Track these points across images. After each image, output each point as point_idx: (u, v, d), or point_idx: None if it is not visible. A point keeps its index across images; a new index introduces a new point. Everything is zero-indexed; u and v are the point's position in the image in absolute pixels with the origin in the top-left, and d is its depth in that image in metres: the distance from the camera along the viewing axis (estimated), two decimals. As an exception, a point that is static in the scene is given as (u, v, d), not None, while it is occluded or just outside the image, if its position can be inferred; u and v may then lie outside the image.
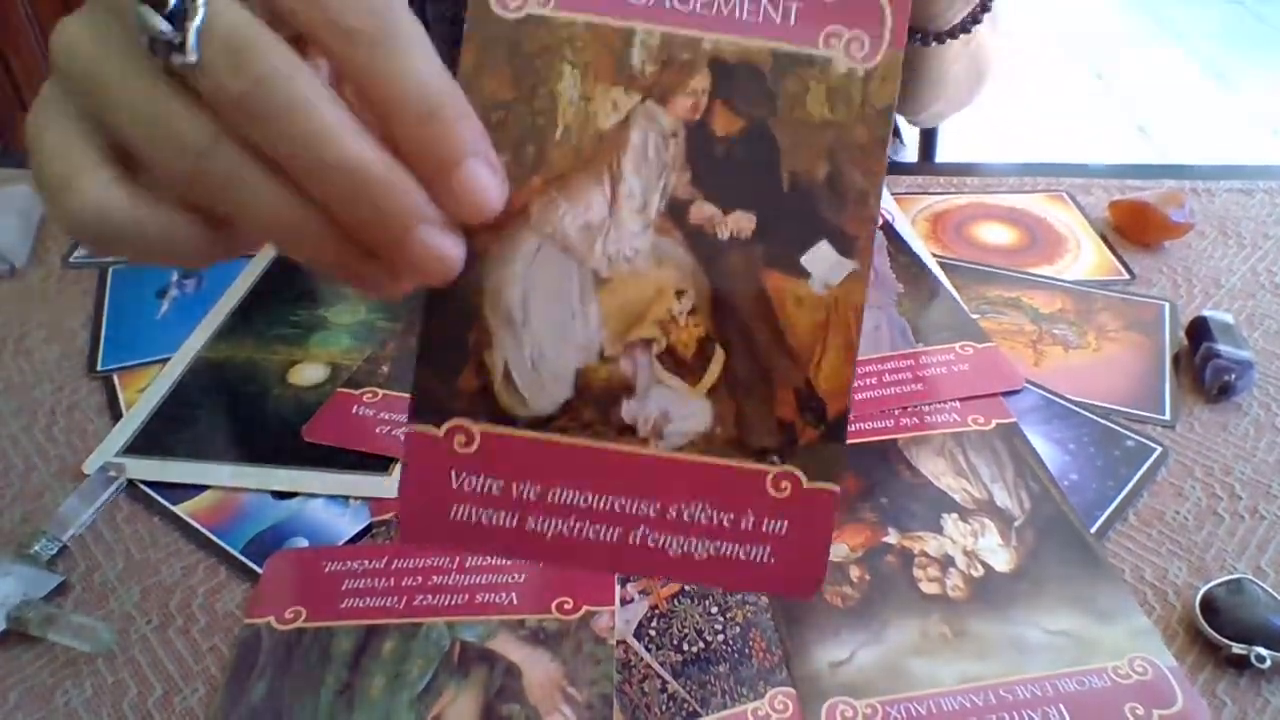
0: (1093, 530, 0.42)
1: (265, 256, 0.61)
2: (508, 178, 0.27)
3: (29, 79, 1.63)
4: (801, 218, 0.27)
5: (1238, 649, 0.36)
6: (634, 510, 0.27)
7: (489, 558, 0.39)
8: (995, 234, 0.62)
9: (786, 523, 0.27)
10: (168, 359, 0.53)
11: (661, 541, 0.27)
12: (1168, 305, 0.55)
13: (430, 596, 0.39)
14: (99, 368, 0.53)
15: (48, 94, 0.27)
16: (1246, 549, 0.41)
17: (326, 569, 0.40)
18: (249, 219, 0.25)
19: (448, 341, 0.27)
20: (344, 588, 0.40)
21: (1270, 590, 0.38)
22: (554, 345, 0.27)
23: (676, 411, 0.27)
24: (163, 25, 0.23)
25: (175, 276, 0.60)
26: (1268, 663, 0.35)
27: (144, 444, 0.47)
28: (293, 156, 0.24)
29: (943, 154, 1.14)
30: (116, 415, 0.49)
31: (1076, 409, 0.48)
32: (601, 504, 0.27)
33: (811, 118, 0.27)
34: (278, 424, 0.48)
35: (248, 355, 0.53)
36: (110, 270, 0.60)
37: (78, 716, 0.36)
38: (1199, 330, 0.51)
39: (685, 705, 0.35)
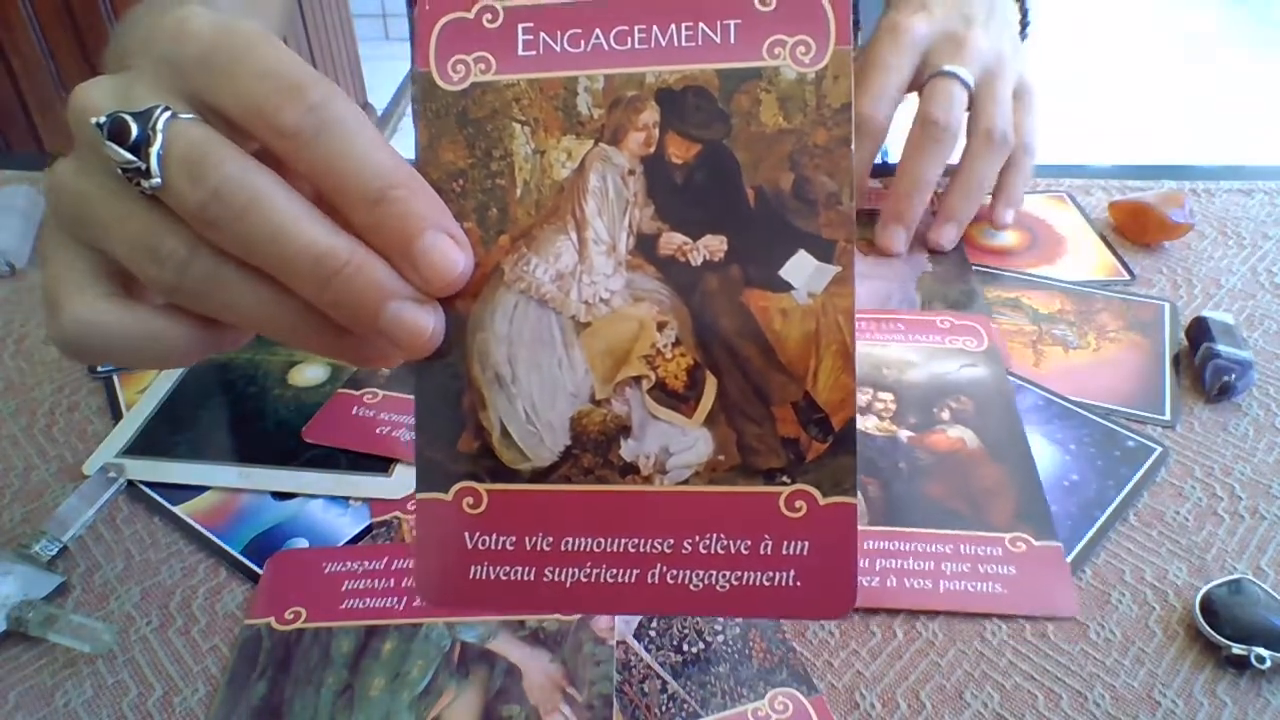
0: (1093, 530, 0.42)
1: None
2: (475, 242, 0.27)
3: (29, 78, 1.63)
4: (773, 231, 0.27)
5: (1238, 649, 0.36)
6: (648, 549, 0.27)
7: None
8: (995, 234, 0.62)
9: (807, 543, 0.27)
10: (168, 359, 0.53)
11: (681, 577, 0.27)
12: (1167, 305, 0.55)
13: (430, 597, 0.39)
14: (99, 368, 0.53)
15: (48, 227, 0.29)
16: (1246, 549, 0.41)
17: (326, 569, 0.40)
18: (234, 317, 0.27)
19: (443, 408, 0.28)
20: (344, 588, 0.40)
21: (1270, 590, 0.38)
22: (545, 396, 0.28)
23: (676, 445, 0.27)
24: (127, 156, 0.25)
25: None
26: (1268, 663, 0.35)
27: (144, 444, 0.47)
28: (258, 254, 0.26)
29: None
30: (116, 415, 0.49)
31: (1076, 409, 0.48)
32: (615, 546, 0.27)
33: (767, 129, 0.27)
34: (278, 424, 0.48)
35: (248, 356, 0.53)
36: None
37: (78, 717, 0.36)
38: (1199, 330, 0.51)
39: (685, 705, 0.35)
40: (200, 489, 0.45)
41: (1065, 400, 0.49)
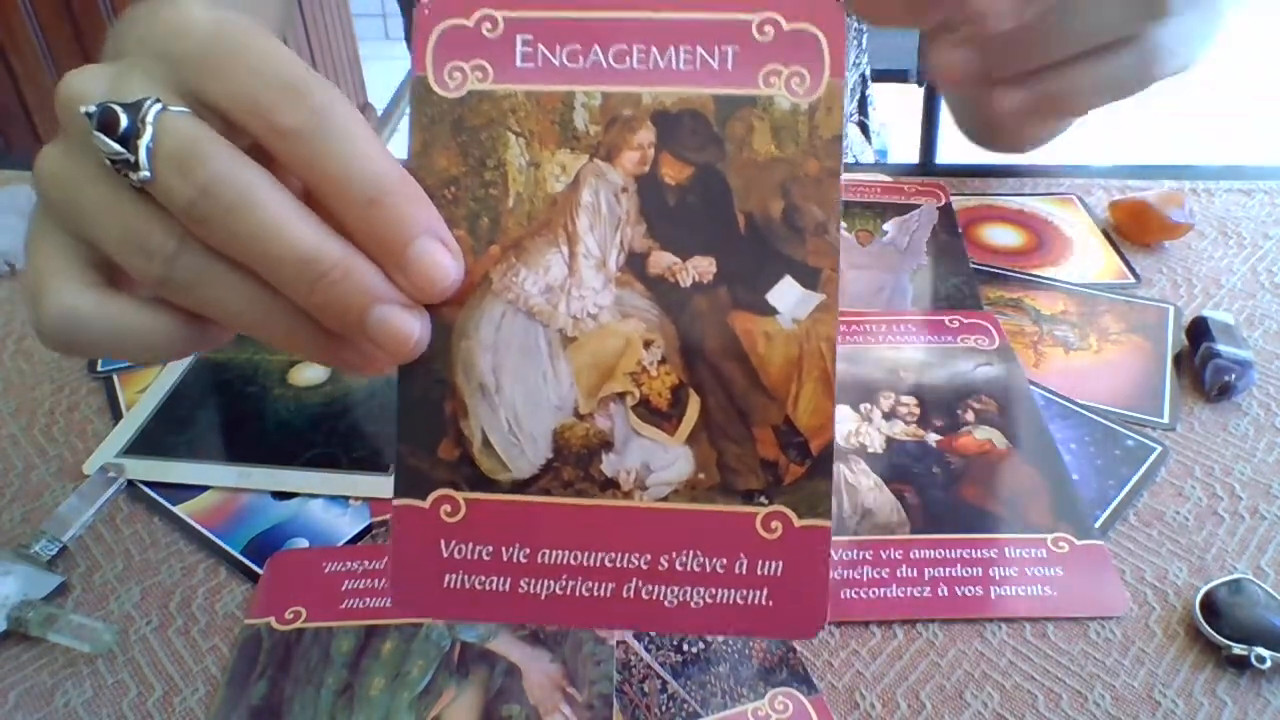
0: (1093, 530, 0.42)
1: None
2: (465, 250, 0.27)
3: (29, 78, 1.63)
4: (762, 256, 0.27)
5: (1238, 649, 0.36)
6: (625, 564, 0.27)
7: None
8: (1001, 235, 0.62)
9: (781, 563, 0.27)
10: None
11: (656, 593, 0.27)
12: (1172, 309, 0.55)
13: (430, 597, 0.39)
14: (99, 368, 0.53)
15: (35, 217, 0.29)
16: (1246, 549, 0.41)
17: (326, 569, 0.40)
18: (220, 314, 0.27)
19: (425, 414, 0.28)
20: (344, 588, 0.40)
21: (1270, 590, 0.38)
22: (529, 408, 0.28)
23: (657, 462, 0.27)
24: (115, 147, 0.25)
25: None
26: (1268, 663, 0.35)
27: (144, 444, 0.47)
28: (246, 252, 0.25)
29: (943, 155, 1.14)
30: (116, 415, 0.49)
31: (1076, 409, 0.48)
32: (592, 561, 0.27)
33: (760, 156, 0.27)
34: (278, 424, 0.48)
35: (248, 356, 0.53)
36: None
37: (78, 717, 0.36)
38: (1199, 330, 0.51)
39: (685, 705, 0.35)
40: (200, 489, 0.45)
41: (1066, 400, 0.49)
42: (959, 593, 0.39)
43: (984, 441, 0.46)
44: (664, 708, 0.35)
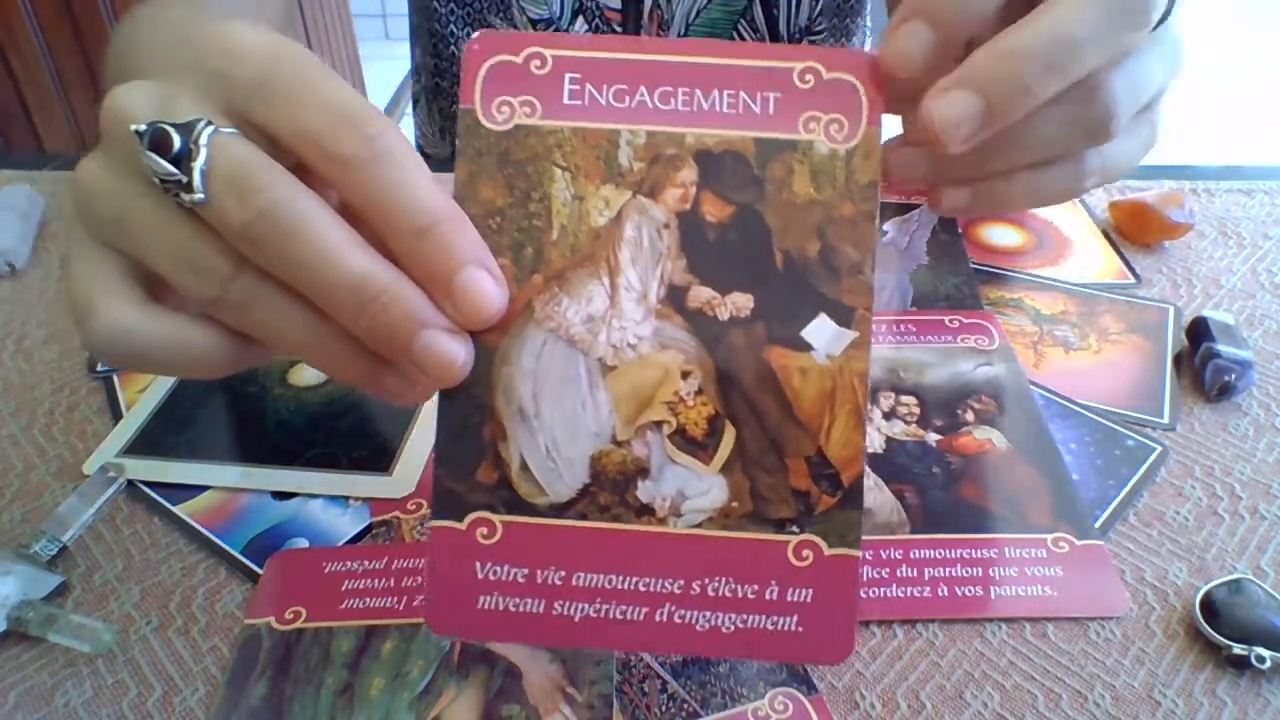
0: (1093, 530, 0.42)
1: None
2: (509, 279, 0.28)
3: (29, 78, 1.63)
4: (798, 294, 0.28)
5: (1238, 649, 0.36)
6: (658, 589, 0.28)
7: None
8: (1001, 235, 0.62)
9: (811, 591, 0.28)
10: (168, 359, 0.53)
11: (688, 618, 0.28)
12: (1172, 309, 0.55)
13: (430, 597, 0.39)
14: (99, 368, 0.53)
15: (74, 228, 0.29)
16: (1246, 549, 0.41)
17: (326, 569, 0.40)
18: (268, 335, 0.27)
19: (464, 438, 0.28)
20: (344, 588, 0.40)
21: (1270, 590, 0.38)
22: (567, 434, 0.28)
23: (692, 489, 0.28)
24: (168, 168, 0.25)
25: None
26: (1268, 663, 0.35)
27: (144, 444, 0.47)
28: (299, 277, 0.26)
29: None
30: (116, 415, 0.49)
31: (1076, 409, 0.48)
32: (626, 585, 0.28)
33: (798, 198, 0.28)
34: (278, 424, 0.48)
35: (248, 355, 0.53)
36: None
37: (78, 717, 0.36)
38: (1199, 330, 0.51)
39: (685, 705, 0.35)
40: (200, 489, 0.45)
41: (1066, 400, 0.49)
42: (959, 593, 0.39)
43: (984, 441, 0.46)
44: (664, 708, 0.35)
